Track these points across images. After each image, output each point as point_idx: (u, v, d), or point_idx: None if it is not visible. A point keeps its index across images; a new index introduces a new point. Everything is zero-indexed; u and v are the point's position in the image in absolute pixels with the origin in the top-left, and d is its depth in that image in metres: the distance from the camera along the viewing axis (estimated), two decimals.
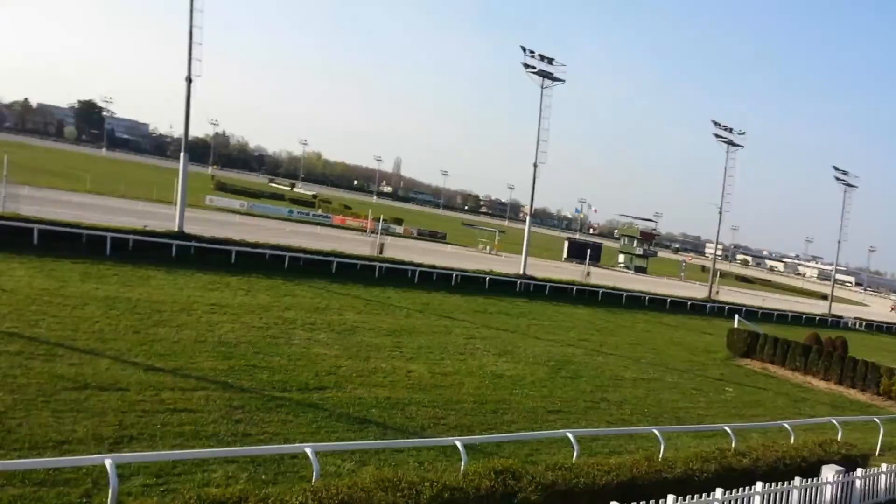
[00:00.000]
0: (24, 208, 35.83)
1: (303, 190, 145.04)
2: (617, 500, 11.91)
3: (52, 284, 23.87)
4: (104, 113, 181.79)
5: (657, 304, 56.51)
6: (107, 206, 51.59)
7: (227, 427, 14.20)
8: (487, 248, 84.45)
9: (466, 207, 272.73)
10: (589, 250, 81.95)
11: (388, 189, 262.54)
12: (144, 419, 13.76)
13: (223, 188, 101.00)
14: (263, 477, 12.36)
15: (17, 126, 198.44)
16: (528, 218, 57.17)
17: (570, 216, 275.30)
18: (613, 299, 53.07)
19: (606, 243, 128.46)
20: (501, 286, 46.53)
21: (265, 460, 13.00)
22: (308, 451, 11.10)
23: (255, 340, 21.35)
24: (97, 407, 13.89)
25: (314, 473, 11.00)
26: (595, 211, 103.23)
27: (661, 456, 15.37)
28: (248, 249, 37.08)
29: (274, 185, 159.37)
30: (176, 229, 36.95)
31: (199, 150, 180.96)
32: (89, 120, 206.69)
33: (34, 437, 12.08)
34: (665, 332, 42.69)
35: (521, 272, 51.04)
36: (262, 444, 13.62)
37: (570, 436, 14.69)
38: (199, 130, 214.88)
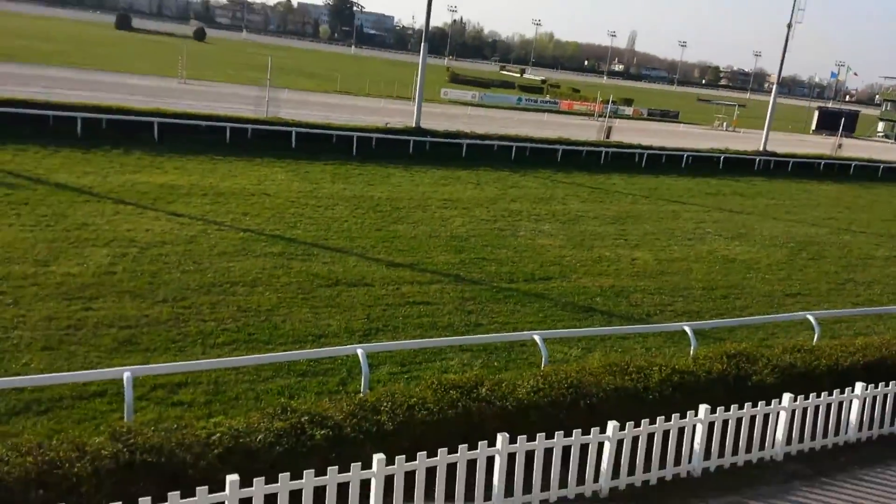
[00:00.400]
0: (284, 112, 39.43)
1: (532, 75, 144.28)
2: (863, 381, 11.54)
3: (306, 187, 26.41)
4: (354, 9, 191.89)
5: None
6: (353, 105, 55.13)
7: (460, 318, 15.40)
8: (724, 124, 79.40)
9: (704, 81, 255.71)
10: (842, 120, 74.25)
11: (619, 68, 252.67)
12: (388, 312, 15.30)
13: (456, 79, 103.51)
14: (496, 364, 13.37)
15: (279, 28, 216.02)
16: (773, 87, 52.89)
17: (823, 83, 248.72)
18: (867, 173, 48.30)
19: (864, 111, 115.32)
20: (737, 165, 44.06)
21: (496, 348, 14.02)
22: (536, 338, 11.80)
23: (484, 233, 22.42)
24: (347, 302, 15.63)
25: (543, 359, 11.72)
26: (855, 75, 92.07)
27: None
28: (477, 142, 38.19)
29: (504, 72, 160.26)
30: (413, 125, 38.88)
31: (437, 41, 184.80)
32: (341, 17, 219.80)
33: (296, 331, 13.95)
34: None
35: (760, 148, 47.84)
36: (493, 332, 14.63)
37: (810, 318, 14.22)
38: (438, 20, 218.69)
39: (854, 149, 62.09)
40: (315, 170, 29.76)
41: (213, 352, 12.76)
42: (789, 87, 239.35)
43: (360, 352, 10.51)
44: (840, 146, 58.23)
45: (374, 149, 35.36)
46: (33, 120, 30.06)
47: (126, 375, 9.08)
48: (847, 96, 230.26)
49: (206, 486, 7.29)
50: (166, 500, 7.28)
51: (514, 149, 38.46)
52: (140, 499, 7.00)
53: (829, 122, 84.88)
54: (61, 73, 53.05)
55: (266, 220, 21.37)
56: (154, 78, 58.34)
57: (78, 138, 29.95)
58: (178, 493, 7.16)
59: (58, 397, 10.78)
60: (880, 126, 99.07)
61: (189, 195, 23.28)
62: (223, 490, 7.59)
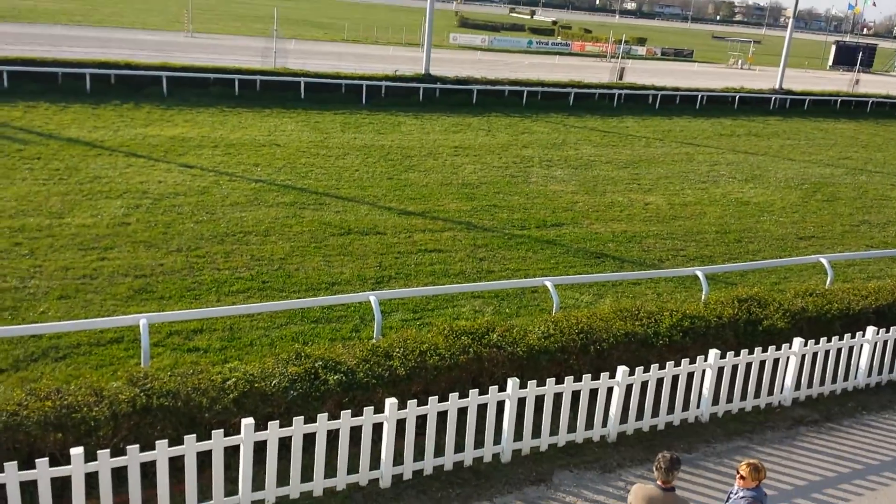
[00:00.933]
0: (292, 62, 39.11)
1: (543, 17, 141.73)
2: (874, 326, 11.54)
3: (317, 137, 26.33)
4: None
5: None
6: (362, 53, 54.55)
7: (472, 265, 15.46)
8: (739, 62, 78.01)
9: (718, 17, 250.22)
10: (860, 54, 72.69)
11: (631, 6, 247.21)
12: (400, 260, 15.37)
13: (465, 24, 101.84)
14: (507, 310, 13.47)
15: None
16: (789, 22, 51.63)
17: (841, 16, 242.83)
18: (885, 110, 47.45)
19: (882, 44, 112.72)
20: (752, 105, 43.40)
21: (508, 295, 14.10)
22: (548, 284, 11.85)
23: (495, 180, 22.34)
24: (360, 250, 15.71)
25: (554, 305, 11.78)
26: (874, 5, 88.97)
27: None
28: (488, 87, 37.77)
29: (514, 14, 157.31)
30: (422, 72, 38.47)
31: None
32: None
33: (309, 279, 14.07)
34: None
35: (776, 87, 47.05)
36: (505, 279, 14.70)
37: (823, 261, 14.17)
38: None
39: (872, 84, 60.96)
40: (325, 119, 29.62)
41: (228, 299, 12.92)
42: (806, 21, 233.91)
43: (372, 299, 10.61)
44: (857, 82, 57.16)
45: (383, 97, 35.07)
46: (42, 77, 30.10)
47: (142, 322, 9.24)
48: (865, 29, 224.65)
49: (222, 430, 7.46)
50: (182, 443, 7.47)
51: (525, 94, 38.02)
52: (157, 441, 7.19)
53: (846, 57, 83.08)
54: (68, 31, 52.74)
55: (277, 171, 21.38)
56: (161, 32, 57.84)
57: (87, 94, 29.93)
58: (194, 435, 7.34)
59: (75, 344, 11.00)
60: None
61: (200, 147, 23.28)
62: (238, 433, 7.78)
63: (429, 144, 26.66)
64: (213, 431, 7.42)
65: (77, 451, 6.88)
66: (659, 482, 6.37)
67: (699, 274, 12.83)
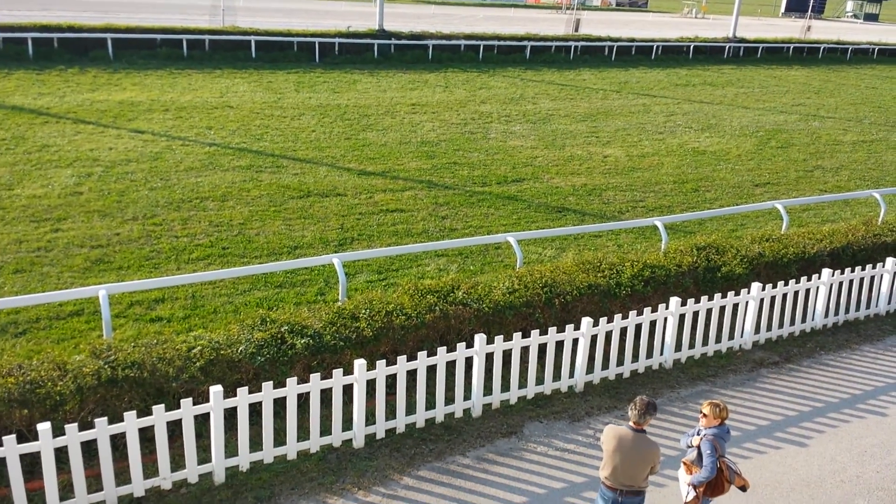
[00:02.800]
0: (241, 20, 38.16)
1: None
2: (829, 269, 11.82)
3: (270, 97, 25.84)
4: None
5: (888, 55, 50.50)
6: (313, 10, 53.45)
7: (434, 223, 15.42)
8: (693, 11, 78.19)
9: None
10: (811, 1, 73.30)
11: None
12: (362, 221, 15.27)
13: None
14: (471, 267, 13.50)
15: None
16: None
17: None
18: (836, 56, 48.13)
19: None
20: (707, 54, 43.66)
21: (472, 252, 14.13)
22: (510, 240, 11.88)
23: (455, 138, 22.22)
24: (320, 213, 15.56)
25: (517, 261, 11.83)
26: None
27: (881, 220, 14.76)
28: (444, 42, 37.36)
29: None
30: (376, 28, 37.83)
31: None
32: None
33: (270, 244, 13.92)
34: (894, 87, 38.51)
35: (730, 35, 47.30)
36: (468, 237, 14.71)
37: (778, 207, 14.40)
38: None
39: (823, 31, 61.69)
40: (278, 79, 29.07)
41: (188, 267, 12.74)
42: None
43: (335, 261, 10.54)
44: (809, 28, 57.72)
45: (337, 54, 34.47)
46: None
47: (101, 293, 9.07)
48: None
49: (191, 399, 7.41)
50: (151, 414, 7.40)
51: (481, 48, 37.70)
52: (125, 413, 7.11)
53: (798, 4, 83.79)
54: None
55: (231, 134, 20.98)
56: None
57: (30, 60, 28.93)
58: (163, 405, 7.28)
59: (34, 318, 10.78)
60: (849, 6, 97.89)
61: (150, 111, 22.71)
62: (207, 401, 7.73)
63: (386, 102, 26.36)
64: (181, 400, 7.36)
65: (44, 427, 6.78)
66: (632, 423, 6.55)
67: (658, 224, 12.98)
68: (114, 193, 15.73)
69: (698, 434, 6.90)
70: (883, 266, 12.45)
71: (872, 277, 12.70)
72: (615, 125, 25.24)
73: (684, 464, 6.65)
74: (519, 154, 20.92)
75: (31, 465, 7.63)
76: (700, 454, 6.72)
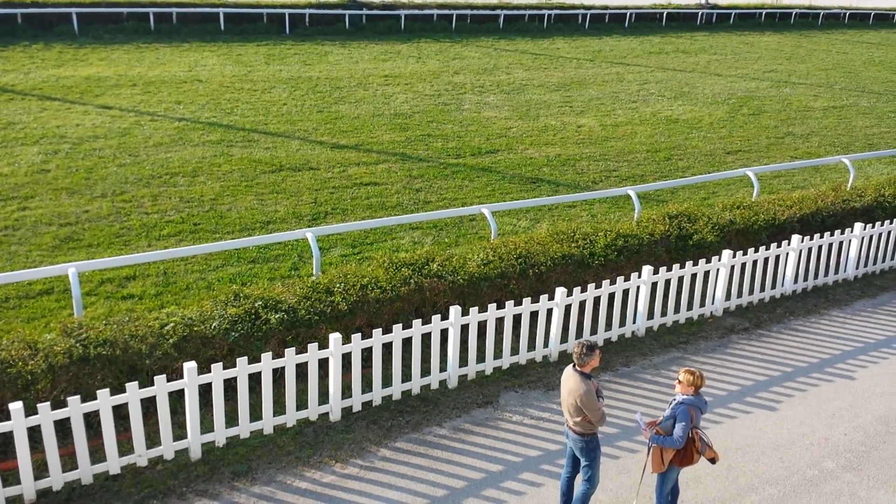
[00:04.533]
0: None
1: None
2: (799, 235, 11.96)
3: (240, 70, 25.49)
4: None
5: (859, 20, 50.84)
6: None
7: (408, 196, 15.38)
8: None
9: None
10: None
11: None
12: (335, 195, 15.18)
13: None
14: (446, 240, 13.51)
15: None
16: None
17: None
18: (808, 21, 48.35)
19: None
20: (680, 21, 43.66)
21: (446, 224, 14.12)
22: (485, 211, 11.88)
23: (428, 109, 22.09)
24: (293, 187, 15.44)
25: (492, 232, 11.84)
26: None
27: (850, 186, 14.93)
28: (416, 12, 37.00)
29: None
30: None
31: None
32: None
33: (243, 219, 13.81)
34: (864, 51, 38.80)
35: (702, 1, 47.29)
36: (442, 209, 14.69)
37: (749, 174, 14.52)
38: None
39: None
40: (247, 52, 28.66)
41: (159, 244, 12.62)
42: None
43: (309, 236, 10.49)
44: None
45: (308, 26, 34.03)
46: None
47: (71, 271, 8.96)
48: None
49: (164, 375, 7.38)
50: (125, 391, 7.37)
51: (454, 17, 37.39)
52: (98, 391, 7.07)
53: None
54: None
55: (201, 108, 20.70)
56: None
57: None
58: (136, 382, 7.25)
59: (3, 298, 10.64)
60: None
61: (117, 87, 22.32)
62: (181, 378, 7.70)
63: (358, 74, 26.11)
64: (155, 377, 7.33)
65: (16, 406, 6.72)
66: (576, 366, 6.89)
67: (631, 193, 13.04)
68: (82, 171, 15.49)
69: (674, 400, 6.98)
70: (851, 231, 12.63)
71: (841, 243, 12.88)
72: (589, 94, 25.23)
73: (657, 432, 6.74)
74: (493, 125, 20.87)
75: (3, 444, 7.58)
76: (675, 423, 6.81)
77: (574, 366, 6.90)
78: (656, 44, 36.96)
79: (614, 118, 22.44)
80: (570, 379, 6.83)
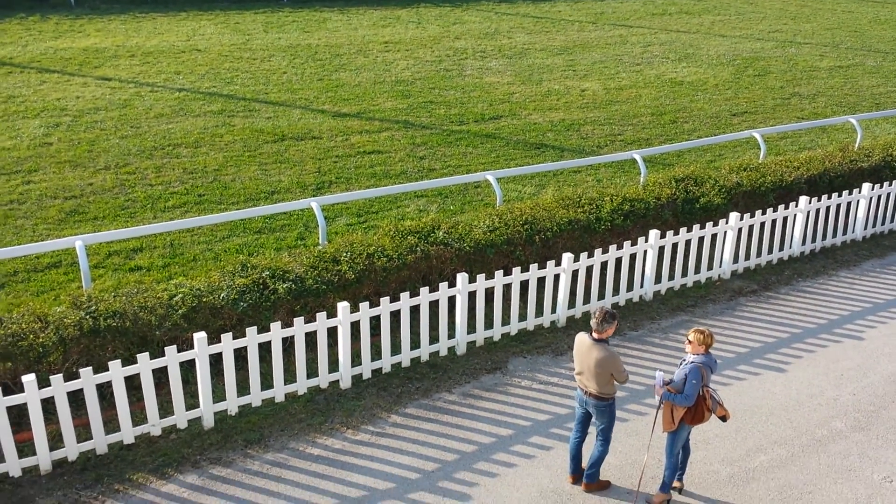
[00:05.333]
0: None
1: None
2: (806, 196, 11.91)
3: (239, 39, 25.24)
4: None
5: None
6: None
7: (412, 164, 15.30)
8: None
9: None
10: None
11: None
12: (339, 164, 15.11)
13: None
14: (451, 207, 13.46)
15: None
16: None
17: None
18: None
19: None
20: None
21: (451, 192, 14.07)
22: (490, 178, 11.82)
23: (430, 76, 21.90)
24: (296, 157, 15.37)
25: (497, 199, 11.80)
26: None
27: (857, 146, 14.82)
28: None
29: None
30: None
31: None
32: None
33: (247, 190, 13.76)
34: (870, 9, 38.25)
35: None
36: (446, 176, 14.62)
37: (756, 136, 14.41)
38: None
39: None
40: (245, 20, 28.35)
41: (165, 215, 12.60)
42: None
43: (314, 205, 10.46)
44: None
45: None
46: None
47: (78, 244, 8.96)
48: None
49: (175, 346, 7.41)
50: (136, 362, 7.40)
51: None
52: (110, 362, 7.11)
53: None
54: None
55: (200, 78, 20.53)
56: None
57: None
58: (147, 353, 7.28)
59: (12, 272, 10.66)
60: None
61: (116, 58, 22.13)
62: (191, 348, 7.73)
63: (358, 41, 25.85)
64: (166, 348, 7.36)
65: (29, 378, 6.76)
66: (593, 333, 6.84)
67: (637, 157, 12.96)
68: (84, 143, 15.43)
69: (685, 361, 7.00)
70: (859, 192, 12.57)
71: (849, 203, 12.83)
72: (592, 58, 24.97)
73: (669, 389, 6.77)
74: (495, 91, 20.69)
75: (18, 416, 7.65)
76: (686, 381, 6.83)
77: (591, 333, 6.86)
78: (659, 5, 36.46)
79: (618, 81, 22.23)
80: (592, 349, 6.78)
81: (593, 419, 7.12)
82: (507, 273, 10.24)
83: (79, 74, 20.21)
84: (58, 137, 15.63)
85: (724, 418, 6.94)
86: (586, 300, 10.53)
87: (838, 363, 9.47)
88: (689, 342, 6.87)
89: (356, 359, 9.05)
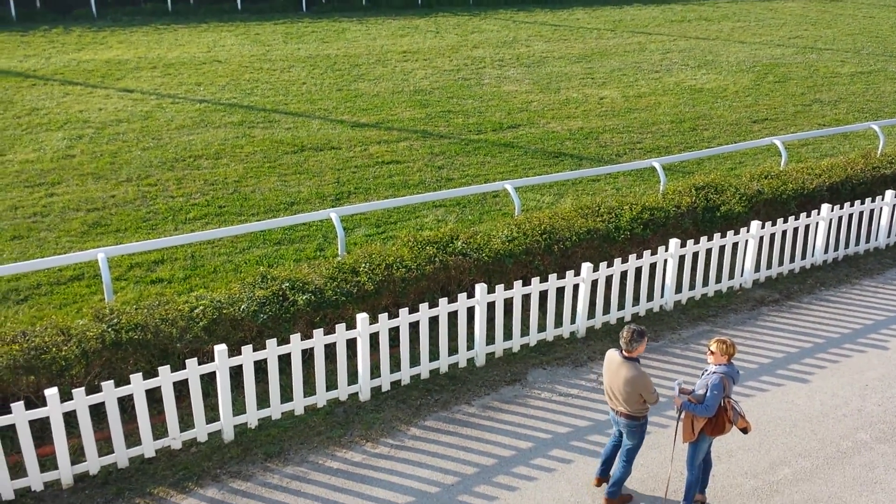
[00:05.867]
0: None
1: None
2: (828, 204, 11.79)
3: (258, 50, 25.44)
4: None
5: None
6: None
7: (430, 174, 15.32)
8: None
9: None
10: None
11: None
12: (358, 174, 15.16)
13: None
14: (470, 217, 13.46)
15: None
16: None
17: None
18: None
19: None
20: None
21: (469, 201, 14.07)
22: (508, 187, 11.82)
23: (448, 85, 21.94)
24: (315, 167, 15.44)
25: (516, 208, 11.79)
26: None
27: (879, 152, 14.66)
28: None
29: None
30: None
31: None
32: None
33: (267, 201, 13.83)
34: (892, 15, 37.88)
35: None
36: (465, 186, 14.63)
37: (777, 143, 14.31)
38: None
39: None
40: (265, 31, 28.58)
41: (186, 227, 12.69)
42: None
43: (333, 216, 10.50)
44: None
45: (324, 2, 33.81)
46: None
47: (100, 257, 9.05)
48: None
49: (195, 358, 7.44)
50: (157, 375, 7.44)
51: None
52: (132, 375, 7.16)
53: None
54: None
55: (221, 89, 20.71)
56: None
57: (13, 21, 28.35)
58: (168, 366, 7.32)
59: (35, 285, 10.78)
60: None
61: (138, 69, 22.37)
62: (212, 361, 7.77)
63: (376, 51, 25.96)
64: (186, 360, 7.40)
65: (52, 392, 6.82)
66: (623, 352, 6.82)
67: (656, 165, 12.89)
68: (106, 155, 15.59)
69: (706, 371, 6.94)
70: (882, 199, 12.42)
71: (872, 211, 12.68)
72: (610, 65, 24.91)
73: (690, 400, 6.71)
74: (514, 99, 20.69)
75: (40, 430, 7.71)
76: (707, 391, 6.77)
77: (621, 352, 6.82)
78: (678, 12, 36.33)
79: (637, 89, 22.16)
80: (621, 367, 6.72)
81: (623, 437, 7.06)
82: (526, 283, 10.21)
83: (101, 86, 20.45)
84: (80, 150, 15.81)
85: (745, 430, 6.86)
86: (606, 310, 10.48)
87: (863, 373, 9.34)
88: (711, 353, 6.81)
89: (375, 371, 9.05)
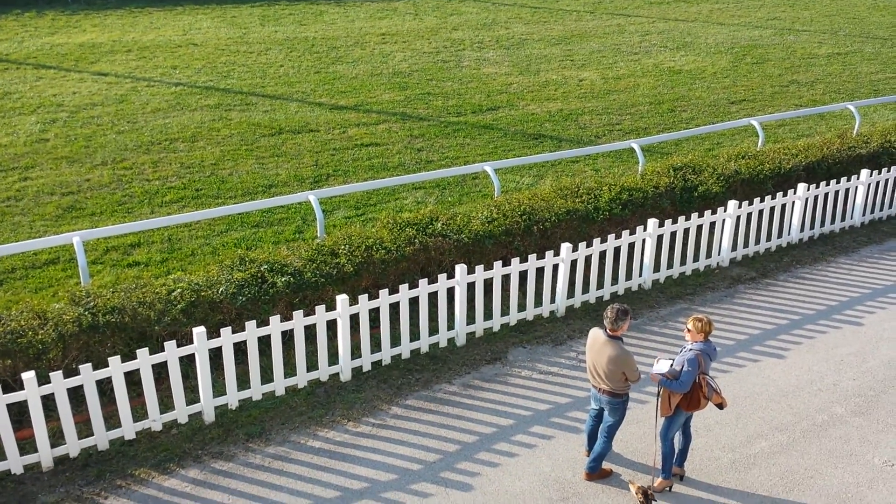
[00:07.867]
0: None
1: None
2: (804, 183, 11.89)
3: (235, 33, 25.17)
4: None
5: None
6: None
7: (410, 156, 15.28)
8: None
9: None
10: None
11: None
12: (336, 156, 15.09)
13: None
14: (450, 199, 13.45)
15: None
16: None
17: None
18: None
19: None
20: None
21: (449, 183, 14.05)
22: (487, 169, 11.81)
23: (427, 67, 21.84)
24: (293, 150, 15.34)
25: (495, 190, 11.80)
26: None
27: (855, 133, 14.80)
28: None
29: None
30: None
31: None
32: None
33: (244, 184, 13.74)
34: None
35: None
36: (444, 168, 14.61)
37: (754, 123, 14.39)
38: None
39: None
40: (242, 13, 28.27)
41: (162, 210, 12.59)
42: None
43: (312, 198, 10.45)
44: None
45: None
46: None
47: (76, 240, 8.96)
48: None
49: (174, 341, 7.40)
50: (135, 358, 7.40)
51: None
52: (110, 358, 7.11)
53: None
54: None
55: (197, 72, 20.48)
56: None
57: None
58: (146, 349, 7.28)
59: (10, 269, 10.65)
60: None
61: (112, 53, 22.07)
62: (191, 343, 7.73)
63: (354, 33, 25.78)
64: (165, 343, 7.36)
65: (29, 375, 6.76)
66: (607, 330, 6.83)
67: (635, 146, 12.94)
68: (81, 139, 15.40)
69: (684, 349, 7.01)
70: (857, 178, 12.55)
71: (847, 190, 12.81)
72: (590, 47, 24.90)
73: (665, 376, 6.78)
74: (493, 81, 20.65)
75: (18, 413, 7.65)
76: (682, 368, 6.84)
77: (605, 331, 6.85)
78: None
79: (616, 71, 22.18)
80: (605, 346, 6.76)
81: (605, 414, 7.11)
82: (506, 264, 10.23)
83: (75, 70, 20.16)
84: (54, 133, 15.60)
85: (720, 406, 6.95)
86: (585, 290, 10.53)
87: (837, 349, 9.48)
88: (689, 330, 6.88)
89: (356, 351, 9.05)
